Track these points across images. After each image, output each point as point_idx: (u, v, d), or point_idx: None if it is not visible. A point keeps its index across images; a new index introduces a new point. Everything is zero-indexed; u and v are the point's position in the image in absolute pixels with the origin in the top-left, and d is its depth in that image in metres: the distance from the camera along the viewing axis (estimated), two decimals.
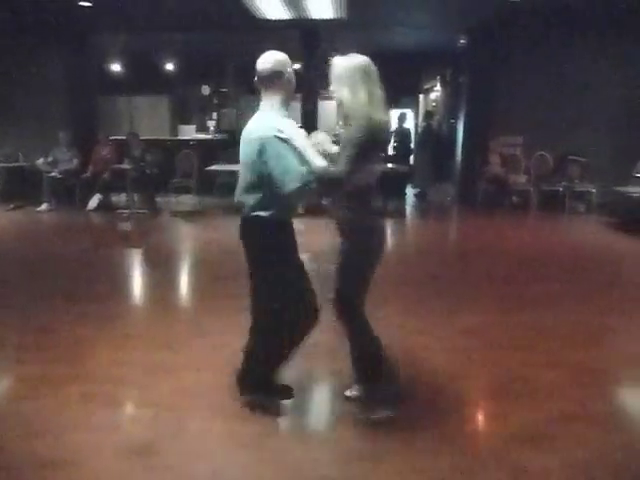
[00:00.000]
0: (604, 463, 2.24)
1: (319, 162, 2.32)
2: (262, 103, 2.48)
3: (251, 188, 2.40)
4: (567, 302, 4.34)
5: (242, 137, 2.46)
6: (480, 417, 2.78)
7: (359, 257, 2.55)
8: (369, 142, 2.34)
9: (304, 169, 2.30)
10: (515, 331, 3.68)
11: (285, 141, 2.32)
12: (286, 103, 2.49)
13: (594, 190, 8.25)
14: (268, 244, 2.42)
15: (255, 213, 2.40)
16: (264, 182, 2.34)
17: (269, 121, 2.38)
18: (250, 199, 2.41)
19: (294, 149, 2.33)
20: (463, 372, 3.07)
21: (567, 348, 3.40)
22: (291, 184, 2.28)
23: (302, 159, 2.33)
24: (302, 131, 2.45)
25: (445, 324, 3.80)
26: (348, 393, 2.71)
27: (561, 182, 8.43)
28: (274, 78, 2.43)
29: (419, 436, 2.41)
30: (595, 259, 5.83)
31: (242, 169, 2.48)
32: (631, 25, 7.69)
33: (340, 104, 2.46)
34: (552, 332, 3.68)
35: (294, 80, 2.52)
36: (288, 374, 2.75)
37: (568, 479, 2.14)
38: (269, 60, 2.46)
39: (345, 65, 2.44)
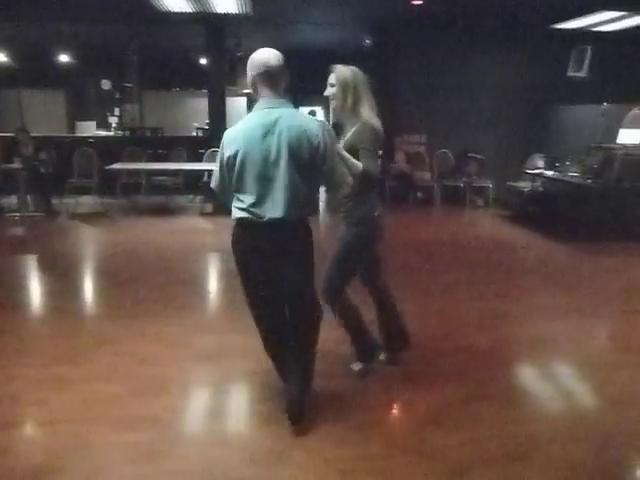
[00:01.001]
0: (504, 438, 2.41)
1: (357, 162, 2.57)
2: (276, 100, 2.36)
3: (287, 189, 2.26)
4: (464, 289, 4.63)
5: (278, 133, 2.26)
6: (388, 405, 2.88)
7: (361, 244, 2.81)
8: (377, 142, 2.69)
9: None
10: (418, 318, 3.85)
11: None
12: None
13: (491, 185, 8.86)
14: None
15: (301, 214, 2.35)
16: (310, 180, 2.33)
17: (312, 118, 2.49)
18: (285, 201, 2.26)
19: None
20: None
21: (466, 332, 3.63)
22: (347, 182, 2.47)
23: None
24: None
25: None
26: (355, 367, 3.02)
27: (461, 178, 8.97)
28: (284, 73, 2.41)
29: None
30: (490, 249, 6.25)
31: (266, 170, 2.27)
32: (529, 29, 8.32)
33: (337, 108, 2.76)
34: (452, 318, 3.91)
35: None
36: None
37: (472, 456, 2.28)
38: (276, 55, 2.38)
39: (347, 72, 2.80)
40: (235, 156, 2.28)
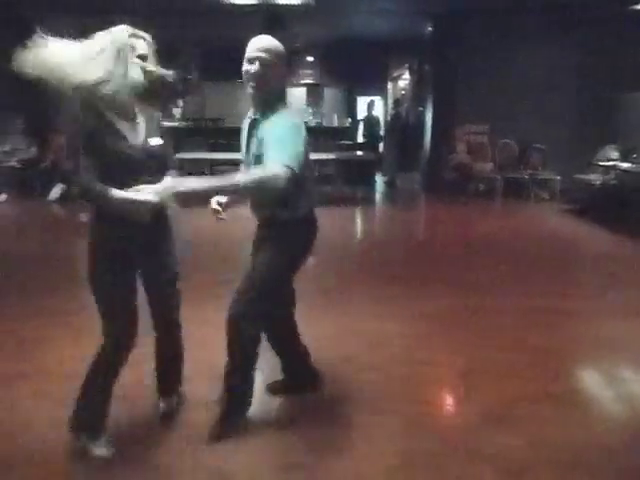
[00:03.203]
0: (566, 441, 2.30)
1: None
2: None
3: None
4: (525, 285, 4.44)
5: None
6: (447, 401, 2.81)
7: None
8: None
9: None
10: (476, 315, 3.74)
11: None
12: None
13: (558, 178, 8.44)
14: None
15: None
16: None
17: None
18: None
19: None
20: (426, 356, 3.09)
21: (526, 330, 3.48)
22: None
23: None
24: None
25: (409, 309, 3.83)
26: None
27: (525, 170, 8.59)
28: None
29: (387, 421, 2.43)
30: (557, 246, 5.97)
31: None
32: (594, 17, 7.85)
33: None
34: (512, 315, 3.76)
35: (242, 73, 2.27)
36: None
37: (532, 457, 2.19)
38: None
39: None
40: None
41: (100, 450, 2.11)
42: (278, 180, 1.99)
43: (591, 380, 3.03)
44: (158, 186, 1.97)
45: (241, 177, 2.09)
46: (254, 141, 2.23)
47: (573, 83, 8.56)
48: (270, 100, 2.23)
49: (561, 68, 8.58)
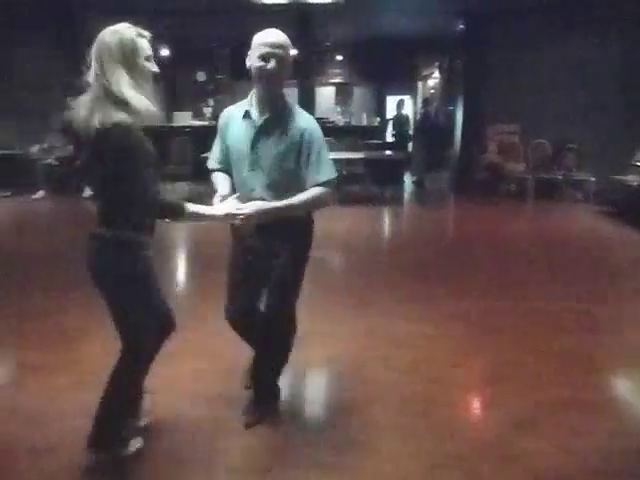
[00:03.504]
0: (596, 449, 2.24)
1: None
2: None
3: None
4: (558, 289, 4.34)
5: None
6: (477, 405, 2.78)
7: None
8: None
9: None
10: (508, 318, 3.68)
11: None
12: (256, 90, 2.22)
13: (593, 179, 8.22)
14: None
15: None
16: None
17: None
18: None
19: None
20: (456, 359, 3.06)
21: (559, 335, 3.41)
22: None
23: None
24: None
25: (439, 310, 3.80)
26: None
27: (559, 170, 8.40)
28: None
29: (415, 423, 2.42)
30: (591, 248, 5.82)
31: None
32: (630, 12, 7.62)
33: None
34: (544, 319, 3.68)
35: (254, 67, 2.16)
36: None
37: (563, 465, 2.15)
38: None
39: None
40: None
41: (131, 446, 2.12)
42: (329, 197, 2.11)
43: (622, 387, 2.95)
44: (239, 205, 2.04)
45: (298, 198, 2.12)
46: (269, 143, 2.15)
47: (610, 82, 8.31)
48: (281, 99, 2.19)
49: (597, 66, 8.35)
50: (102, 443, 2.05)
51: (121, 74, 1.78)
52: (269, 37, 2.11)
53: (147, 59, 1.86)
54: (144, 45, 1.85)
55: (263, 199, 2.13)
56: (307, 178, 2.15)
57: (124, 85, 1.78)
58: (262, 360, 2.44)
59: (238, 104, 2.30)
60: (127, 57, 1.79)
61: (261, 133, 2.17)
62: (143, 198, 1.83)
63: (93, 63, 1.81)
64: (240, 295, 2.34)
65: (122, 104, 1.78)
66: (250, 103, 2.22)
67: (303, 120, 2.17)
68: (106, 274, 1.92)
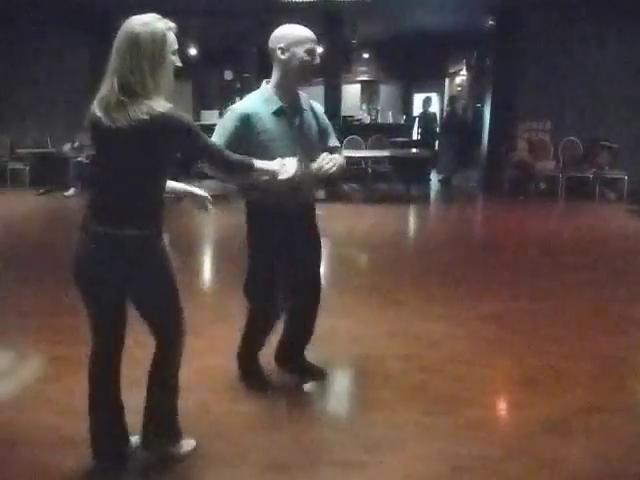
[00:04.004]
0: (627, 455, 2.18)
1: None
2: None
3: None
4: (591, 290, 4.24)
5: None
6: (505, 406, 2.74)
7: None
8: None
9: None
10: (538, 319, 3.61)
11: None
12: (282, 84, 2.30)
13: (626, 177, 8.00)
14: None
15: None
16: None
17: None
18: None
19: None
20: (485, 359, 3.02)
21: (592, 337, 3.33)
22: None
23: None
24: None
25: (467, 310, 3.75)
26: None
27: (591, 169, 8.20)
28: (271, 55, 2.30)
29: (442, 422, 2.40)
30: (624, 248, 5.67)
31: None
32: None
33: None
34: (577, 321, 3.60)
35: (299, 61, 2.22)
36: None
37: (594, 470, 2.10)
38: (271, 35, 2.30)
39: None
40: None
41: (186, 445, 2.12)
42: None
43: None
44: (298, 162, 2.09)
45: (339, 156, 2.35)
46: (305, 128, 2.34)
47: None
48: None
49: (629, 62, 8.11)
50: (155, 443, 2.05)
51: (147, 66, 1.73)
52: (311, 33, 2.23)
53: (173, 53, 1.82)
54: (172, 38, 1.81)
55: None
56: (328, 141, 2.45)
57: (148, 79, 1.74)
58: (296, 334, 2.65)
59: (252, 100, 2.32)
60: (157, 50, 1.74)
61: (298, 122, 2.31)
62: (220, 158, 1.95)
63: (116, 53, 1.76)
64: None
65: (142, 97, 1.73)
66: (269, 97, 2.29)
67: (304, 97, 2.40)
68: (154, 269, 1.91)
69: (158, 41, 1.74)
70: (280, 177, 2.02)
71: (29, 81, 9.24)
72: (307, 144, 2.31)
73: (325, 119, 2.47)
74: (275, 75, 2.31)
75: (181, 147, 1.91)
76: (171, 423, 2.07)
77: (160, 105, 1.75)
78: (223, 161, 1.98)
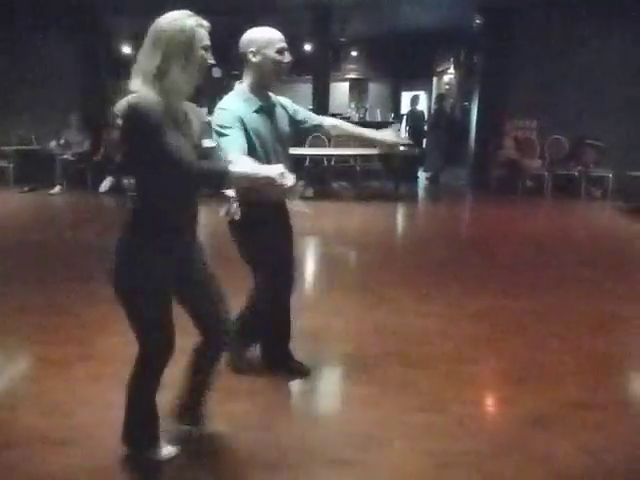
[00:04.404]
0: (615, 450, 2.21)
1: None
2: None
3: None
4: (579, 288, 4.29)
5: None
6: (494, 402, 2.76)
7: None
8: None
9: None
10: (527, 316, 3.64)
11: None
12: (258, 84, 2.37)
13: (611, 175, 8.10)
14: None
15: None
16: None
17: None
18: None
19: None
20: (474, 356, 3.04)
21: (578, 334, 3.36)
22: None
23: None
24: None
25: (457, 308, 3.77)
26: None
27: (576, 166, 8.29)
28: (243, 59, 2.37)
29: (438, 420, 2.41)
30: (611, 245, 5.74)
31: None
32: None
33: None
34: (565, 318, 3.64)
35: (271, 62, 2.31)
36: None
37: (583, 465, 2.12)
38: (241, 40, 2.37)
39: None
40: None
41: (165, 451, 2.08)
42: None
43: None
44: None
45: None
46: (280, 124, 2.44)
47: (632, 78, 8.17)
48: None
49: (615, 62, 8.21)
50: (131, 442, 2.05)
51: (175, 64, 1.72)
52: (279, 33, 2.33)
53: (204, 49, 1.79)
54: (203, 35, 1.78)
55: None
56: (313, 121, 2.61)
57: (176, 76, 1.72)
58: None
59: (236, 101, 2.35)
60: (185, 47, 1.73)
61: (274, 118, 2.42)
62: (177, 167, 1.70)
63: (146, 50, 1.75)
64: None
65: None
66: (248, 97, 2.36)
67: (272, 95, 2.48)
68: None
69: (187, 37, 1.73)
70: (281, 183, 1.82)
71: (14, 79, 9.10)
72: (284, 137, 2.47)
73: (295, 106, 2.57)
74: (249, 77, 2.38)
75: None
76: (143, 428, 2.06)
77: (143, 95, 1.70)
78: (198, 172, 1.75)
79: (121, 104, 1.72)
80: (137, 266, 1.82)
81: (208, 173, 1.78)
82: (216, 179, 1.78)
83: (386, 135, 2.43)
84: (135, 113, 1.65)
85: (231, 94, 2.41)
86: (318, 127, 2.63)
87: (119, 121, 1.72)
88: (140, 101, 1.66)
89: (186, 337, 2.04)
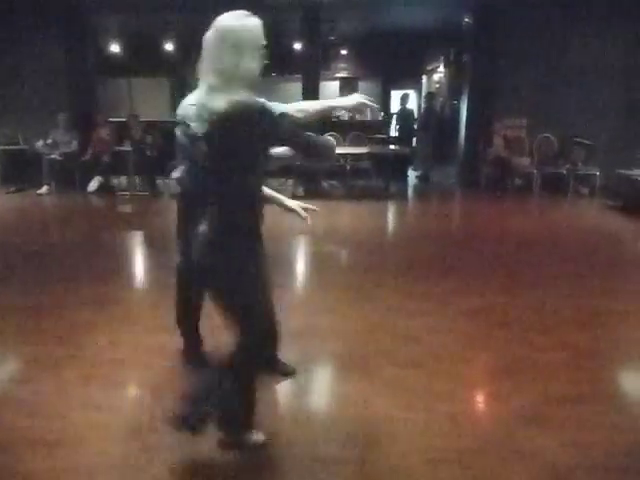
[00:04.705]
0: (604, 445, 2.24)
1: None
2: None
3: None
4: (566, 284, 4.33)
5: None
6: (482, 399, 2.78)
7: None
8: None
9: None
10: (516, 313, 3.67)
11: None
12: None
13: (598, 173, 8.18)
14: None
15: None
16: None
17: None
18: None
19: None
20: (463, 354, 3.06)
21: (568, 330, 3.40)
22: None
23: None
24: None
25: (447, 306, 3.79)
26: None
27: (564, 165, 8.36)
28: None
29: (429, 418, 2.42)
30: (598, 242, 5.80)
31: None
32: (636, 7, 7.56)
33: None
34: (554, 314, 3.67)
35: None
36: None
37: (571, 460, 2.14)
38: None
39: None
40: None
41: (256, 437, 2.16)
42: None
43: (632, 383, 2.94)
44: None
45: None
46: None
47: (620, 77, 8.26)
48: None
49: (604, 60, 8.29)
50: (234, 428, 2.10)
51: (246, 61, 1.80)
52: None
53: (260, 48, 1.87)
54: (262, 34, 1.86)
55: None
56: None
57: (247, 72, 1.81)
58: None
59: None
60: (253, 44, 1.82)
61: None
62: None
63: (214, 51, 1.82)
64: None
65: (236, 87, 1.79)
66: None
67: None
68: None
69: (254, 35, 1.82)
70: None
71: (0, 78, 9.01)
72: None
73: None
74: None
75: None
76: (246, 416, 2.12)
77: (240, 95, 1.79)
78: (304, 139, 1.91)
79: (219, 106, 1.77)
80: (234, 262, 1.89)
81: (320, 141, 1.93)
82: (327, 145, 1.94)
83: (351, 99, 2.32)
84: (255, 110, 1.76)
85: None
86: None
87: (223, 122, 1.76)
88: (250, 99, 1.77)
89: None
